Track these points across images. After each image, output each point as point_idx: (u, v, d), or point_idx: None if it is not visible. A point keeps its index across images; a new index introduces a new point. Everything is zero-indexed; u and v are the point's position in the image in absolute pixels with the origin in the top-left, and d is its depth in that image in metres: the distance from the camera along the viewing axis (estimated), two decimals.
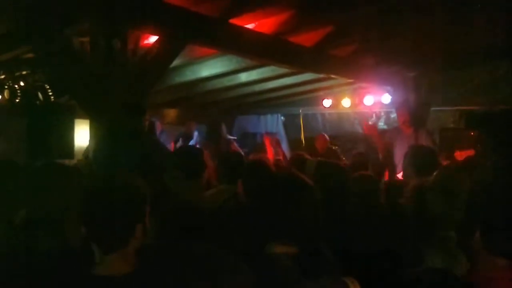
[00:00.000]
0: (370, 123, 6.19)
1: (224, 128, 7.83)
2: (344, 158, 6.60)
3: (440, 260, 1.74)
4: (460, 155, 5.64)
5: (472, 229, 1.60)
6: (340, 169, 2.75)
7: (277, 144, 6.08)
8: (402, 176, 3.70)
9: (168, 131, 8.21)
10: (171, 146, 7.43)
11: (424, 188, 2.26)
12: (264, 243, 1.45)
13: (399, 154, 5.01)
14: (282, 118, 10.48)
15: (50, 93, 4.65)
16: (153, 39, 4.00)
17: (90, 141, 3.30)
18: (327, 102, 8.94)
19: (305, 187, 1.56)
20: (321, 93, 8.82)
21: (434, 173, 2.48)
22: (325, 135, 7.65)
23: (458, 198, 2.06)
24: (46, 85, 4.62)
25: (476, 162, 4.56)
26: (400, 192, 2.88)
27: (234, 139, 9.61)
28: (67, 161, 5.54)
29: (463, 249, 1.76)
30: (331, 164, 2.90)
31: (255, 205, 1.57)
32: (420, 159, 3.14)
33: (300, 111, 9.09)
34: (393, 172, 4.79)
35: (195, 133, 7.61)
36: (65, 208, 1.95)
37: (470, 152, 5.73)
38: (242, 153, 4.13)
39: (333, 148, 7.30)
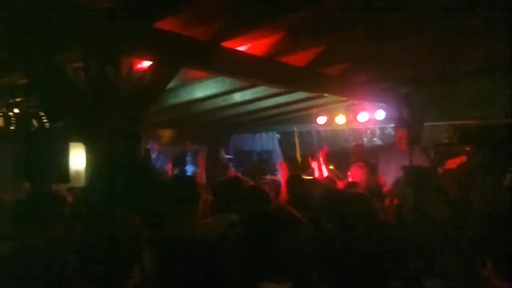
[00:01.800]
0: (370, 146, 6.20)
1: (222, 151, 7.83)
2: (341, 176, 6.59)
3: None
4: (453, 162, 5.68)
5: (479, 259, 1.60)
6: (345, 197, 2.78)
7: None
8: (397, 196, 3.68)
9: (164, 151, 8.20)
10: (168, 167, 7.42)
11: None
12: (256, 280, 1.44)
13: (393, 171, 5.03)
14: (277, 136, 10.51)
15: (45, 120, 4.66)
16: (146, 63, 4.05)
17: (85, 167, 3.30)
18: (321, 119, 8.99)
19: (298, 223, 1.55)
20: (315, 110, 8.88)
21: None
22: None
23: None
24: (40, 112, 4.64)
25: (468, 166, 4.58)
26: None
27: (230, 158, 9.64)
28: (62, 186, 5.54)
29: (467, 279, 1.75)
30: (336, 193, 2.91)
31: (248, 239, 1.57)
32: (416, 179, 3.14)
33: (295, 128, 9.12)
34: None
35: (188, 158, 7.58)
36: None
37: (462, 159, 5.78)
38: (240, 178, 4.13)
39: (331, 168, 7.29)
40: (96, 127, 3.13)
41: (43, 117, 4.66)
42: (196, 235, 1.92)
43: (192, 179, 2.54)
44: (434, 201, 2.53)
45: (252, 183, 5.31)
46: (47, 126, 4.57)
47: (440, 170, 5.54)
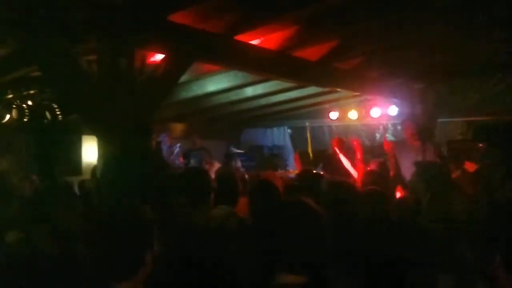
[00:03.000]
0: (387, 140, 6.15)
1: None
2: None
3: (453, 283, 1.72)
4: (471, 166, 5.59)
5: (491, 253, 1.58)
6: (352, 189, 2.75)
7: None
8: (410, 191, 3.65)
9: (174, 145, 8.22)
10: (180, 159, 7.46)
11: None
12: (271, 271, 1.43)
13: (405, 168, 4.99)
14: (289, 130, 10.48)
15: (58, 112, 4.69)
16: (159, 56, 4.05)
17: (98, 160, 3.32)
18: (333, 115, 8.94)
19: (314, 215, 1.53)
20: (327, 105, 8.83)
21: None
22: (342, 138, 7.52)
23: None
24: (53, 104, 4.67)
25: (485, 174, 4.52)
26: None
27: (241, 153, 9.63)
28: (74, 178, 5.59)
29: (482, 274, 1.73)
30: (343, 184, 2.90)
31: (261, 229, 1.56)
32: (430, 175, 3.10)
33: (307, 123, 9.08)
34: (405, 188, 4.76)
35: (192, 160, 7.59)
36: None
37: (480, 164, 5.69)
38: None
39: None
40: (108, 120, 3.13)
41: (57, 110, 4.69)
42: (206, 225, 1.91)
43: (204, 170, 2.53)
44: (450, 196, 2.49)
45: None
46: (60, 119, 4.59)
47: (453, 168, 5.46)
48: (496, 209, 1.78)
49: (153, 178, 2.16)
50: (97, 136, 3.22)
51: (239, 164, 7.13)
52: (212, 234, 1.80)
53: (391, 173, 5.18)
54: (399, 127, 8.79)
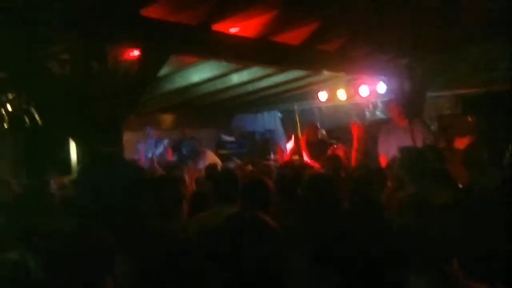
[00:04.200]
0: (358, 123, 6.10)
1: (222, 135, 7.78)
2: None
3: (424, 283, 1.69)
4: (461, 142, 5.56)
5: (449, 256, 1.55)
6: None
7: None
8: (394, 180, 3.60)
9: (164, 137, 8.14)
10: (169, 154, 7.39)
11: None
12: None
13: (394, 149, 4.95)
14: (279, 114, 10.41)
15: (36, 116, 4.60)
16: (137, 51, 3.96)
17: (76, 162, 3.26)
18: (322, 95, 8.86)
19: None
20: (315, 86, 8.74)
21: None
22: (317, 125, 7.51)
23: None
24: (31, 108, 4.58)
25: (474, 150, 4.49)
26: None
27: (232, 140, 9.59)
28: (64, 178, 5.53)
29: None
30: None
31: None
32: (412, 163, 3.05)
33: (295, 107, 9.01)
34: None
35: (184, 151, 7.51)
36: None
37: (471, 138, 5.65)
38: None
39: (327, 141, 7.21)
40: (82, 122, 3.06)
41: (35, 114, 4.60)
42: (176, 236, 1.87)
43: (176, 179, 2.48)
44: (435, 188, 2.45)
45: (250, 170, 5.30)
46: (39, 123, 4.51)
47: (443, 143, 5.43)
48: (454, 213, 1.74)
49: (125, 183, 2.10)
50: (72, 138, 3.15)
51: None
52: (182, 244, 1.75)
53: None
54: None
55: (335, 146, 5.65)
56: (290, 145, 6.54)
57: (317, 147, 5.85)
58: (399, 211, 2.14)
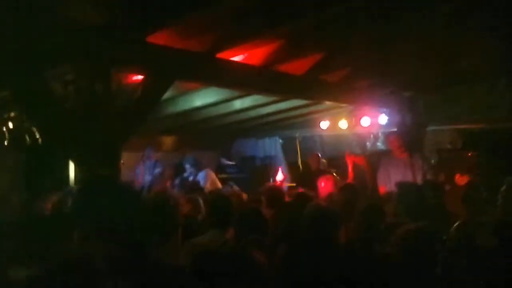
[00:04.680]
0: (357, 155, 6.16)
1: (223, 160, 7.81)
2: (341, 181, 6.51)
3: None
4: (461, 179, 5.54)
5: None
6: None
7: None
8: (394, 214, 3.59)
9: (165, 159, 8.15)
10: (166, 175, 7.38)
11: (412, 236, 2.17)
12: None
13: (394, 181, 4.93)
14: (280, 141, 10.42)
15: (37, 136, 4.62)
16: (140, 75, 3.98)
17: (74, 184, 3.26)
18: (324, 124, 8.90)
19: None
20: (318, 115, 8.79)
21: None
22: (318, 154, 7.59)
23: None
24: (33, 128, 4.60)
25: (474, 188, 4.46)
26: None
27: (232, 164, 9.58)
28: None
29: None
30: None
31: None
32: (409, 200, 3.05)
33: (297, 134, 9.04)
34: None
35: (187, 166, 7.51)
36: None
37: (471, 176, 5.64)
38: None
39: (329, 170, 7.22)
40: (83, 145, 3.06)
41: (36, 133, 4.62)
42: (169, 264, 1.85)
43: (171, 205, 2.47)
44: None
45: (244, 198, 5.29)
46: (40, 143, 4.52)
47: (442, 178, 5.41)
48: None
49: (122, 210, 2.08)
50: (72, 161, 3.15)
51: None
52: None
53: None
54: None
55: (326, 176, 5.62)
56: (280, 176, 6.63)
57: (315, 176, 5.84)
58: (398, 247, 2.12)
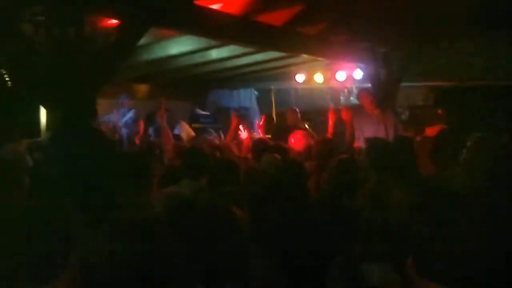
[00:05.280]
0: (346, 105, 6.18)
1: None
2: (314, 134, 6.61)
3: (376, 278, 1.77)
4: (431, 130, 5.68)
5: (405, 254, 1.62)
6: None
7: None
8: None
9: (138, 107, 8.05)
10: (140, 125, 7.32)
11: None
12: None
13: (367, 136, 5.04)
14: (255, 92, 10.40)
15: (7, 79, 4.47)
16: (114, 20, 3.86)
17: (45, 129, 3.22)
18: (300, 77, 8.88)
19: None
20: (293, 68, 8.76)
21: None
22: (296, 109, 7.60)
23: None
24: (2, 70, 4.43)
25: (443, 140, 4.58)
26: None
27: (207, 114, 9.56)
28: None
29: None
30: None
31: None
32: (378, 156, 3.12)
33: (272, 87, 9.01)
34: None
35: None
36: None
37: (441, 127, 5.78)
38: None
39: (304, 125, 7.30)
40: (54, 91, 3.00)
41: (6, 76, 4.46)
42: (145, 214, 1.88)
43: (145, 155, 2.48)
44: (395, 185, 2.52)
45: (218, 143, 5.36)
46: (10, 86, 4.39)
47: (411, 134, 5.55)
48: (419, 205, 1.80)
49: (96, 157, 2.09)
50: (44, 106, 3.09)
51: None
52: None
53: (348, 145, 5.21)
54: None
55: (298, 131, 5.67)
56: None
57: (292, 131, 5.89)
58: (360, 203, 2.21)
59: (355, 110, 6.87)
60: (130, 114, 7.33)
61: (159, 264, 1.33)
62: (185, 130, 7.48)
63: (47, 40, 3.06)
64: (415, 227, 1.65)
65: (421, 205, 1.75)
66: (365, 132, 5.34)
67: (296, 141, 5.23)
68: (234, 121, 6.21)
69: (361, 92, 6.22)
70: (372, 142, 3.45)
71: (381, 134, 5.22)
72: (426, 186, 2.56)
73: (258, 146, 4.76)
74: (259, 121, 7.20)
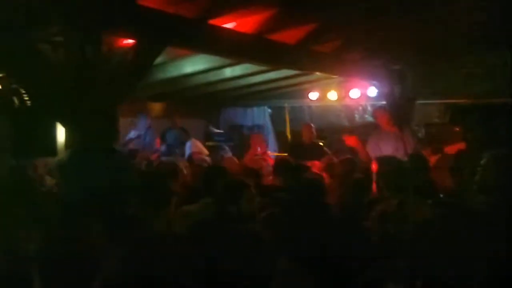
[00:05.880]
0: (349, 135, 6.17)
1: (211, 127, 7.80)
2: (329, 152, 6.57)
3: None
4: (451, 148, 5.60)
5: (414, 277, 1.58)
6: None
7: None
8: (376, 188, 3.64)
9: (154, 125, 8.12)
10: (156, 143, 7.37)
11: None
12: None
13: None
14: (269, 110, 10.41)
15: (26, 97, 4.54)
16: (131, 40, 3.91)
17: (64, 147, 3.24)
18: (313, 95, 8.90)
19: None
20: (307, 85, 8.77)
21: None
22: (311, 125, 7.53)
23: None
24: (21, 89, 4.50)
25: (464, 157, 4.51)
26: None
27: (220, 132, 9.58)
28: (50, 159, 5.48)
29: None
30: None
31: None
32: (391, 176, 3.07)
33: (286, 104, 9.01)
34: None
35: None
36: None
37: (460, 146, 5.69)
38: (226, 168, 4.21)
39: (319, 142, 7.25)
40: (72, 109, 3.03)
41: (24, 95, 4.53)
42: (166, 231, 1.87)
43: (163, 177, 2.48)
44: (414, 203, 2.48)
45: (236, 163, 5.37)
46: (28, 104, 4.45)
47: (430, 152, 5.46)
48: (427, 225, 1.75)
49: (115, 174, 2.08)
50: (62, 123, 3.12)
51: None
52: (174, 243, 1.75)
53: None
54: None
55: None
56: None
57: (308, 149, 5.88)
58: (378, 222, 2.17)
59: (371, 128, 6.84)
60: (151, 133, 7.37)
61: (179, 282, 1.31)
62: (197, 147, 7.50)
63: (65, 59, 3.10)
64: (427, 247, 1.61)
65: (435, 224, 1.71)
66: (383, 150, 5.28)
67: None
68: (253, 141, 6.21)
69: (378, 110, 6.17)
70: (384, 163, 3.41)
71: (399, 152, 5.14)
72: (441, 204, 2.51)
73: (281, 165, 4.81)
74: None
